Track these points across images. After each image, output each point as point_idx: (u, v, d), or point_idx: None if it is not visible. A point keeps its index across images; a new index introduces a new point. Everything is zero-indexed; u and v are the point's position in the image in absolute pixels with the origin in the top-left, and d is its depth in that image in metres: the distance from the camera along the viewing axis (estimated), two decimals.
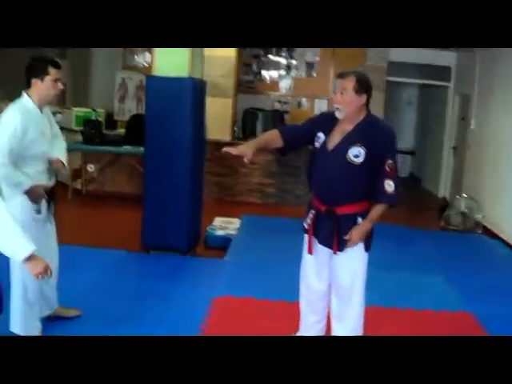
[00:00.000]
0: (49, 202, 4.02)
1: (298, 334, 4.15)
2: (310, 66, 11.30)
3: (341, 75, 3.68)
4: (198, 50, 6.46)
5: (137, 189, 9.35)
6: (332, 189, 3.68)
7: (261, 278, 5.58)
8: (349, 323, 3.86)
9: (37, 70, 3.84)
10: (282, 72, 11.28)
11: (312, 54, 11.22)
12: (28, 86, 3.87)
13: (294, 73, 11.30)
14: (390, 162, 3.61)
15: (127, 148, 8.94)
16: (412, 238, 7.63)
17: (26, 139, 3.70)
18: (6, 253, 2.80)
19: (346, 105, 3.61)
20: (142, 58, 11.53)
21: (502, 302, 5.31)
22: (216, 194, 9.43)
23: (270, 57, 11.26)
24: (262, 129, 9.68)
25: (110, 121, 10.83)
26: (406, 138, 14.04)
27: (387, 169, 3.60)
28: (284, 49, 11.18)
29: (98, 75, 11.68)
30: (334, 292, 3.92)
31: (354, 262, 3.77)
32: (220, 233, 7.06)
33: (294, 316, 4.17)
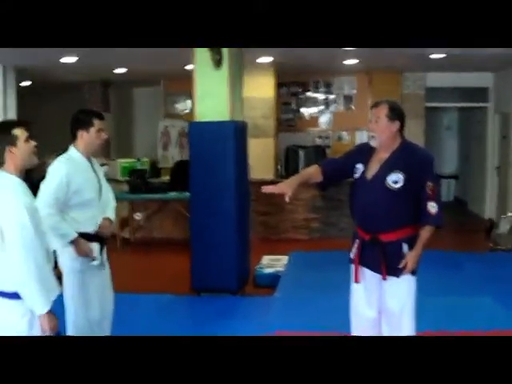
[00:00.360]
0: (101, 247, 4.13)
1: None
2: (347, 99, 11.43)
3: (374, 105, 3.81)
4: (237, 92, 6.64)
5: (184, 233, 9.56)
6: (374, 216, 3.74)
7: (312, 313, 5.58)
8: None
9: (83, 121, 4.03)
10: (321, 107, 11.45)
11: (349, 87, 11.37)
12: (74, 138, 4.06)
13: (332, 107, 11.44)
14: (430, 184, 3.65)
15: (173, 194, 9.15)
16: (460, 262, 7.55)
17: (72, 188, 3.87)
18: (28, 301, 2.91)
19: (381, 132, 3.70)
20: (184, 105, 11.85)
21: None
22: (262, 232, 9.51)
23: (309, 94, 11.46)
24: (305, 165, 9.79)
25: (155, 169, 11.10)
26: (448, 163, 14.02)
27: (428, 191, 3.65)
28: (322, 84, 11.35)
29: (141, 125, 12.08)
30: (384, 319, 3.93)
31: (402, 287, 3.79)
32: (268, 271, 7.14)
33: None
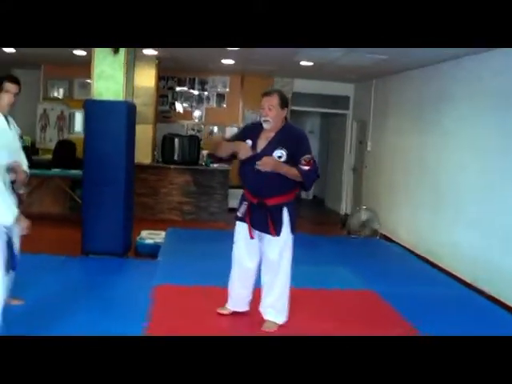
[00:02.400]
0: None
1: (227, 305, 5.07)
2: (220, 96, 12.41)
3: (266, 93, 4.65)
4: (130, 77, 7.34)
5: (62, 209, 10.06)
6: (262, 184, 4.60)
7: (190, 272, 6.47)
8: (277, 290, 4.74)
9: None
10: (195, 103, 12.36)
11: (222, 86, 12.35)
12: None
13: (206, 104, 12.37)
14: (306, 157, 4.53)
15: (57, 170, 9.57)
16: (319, 243, 8.70)
17: None
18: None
19: (274, 117, 4.59)
20: (62, 90, 12.27)
21: (399, 284, 6.50)
22: (139, 212, 10.09)
23: (184, 89, 12.31)
24: (179, 152, 10.61)
25: (33, 149, 11.44)
26: None
27: (303, 162, 4.51)
28: (197, 81, 12.26)
29: (21, 106, 12.18)
30: (264, 268, 4.82)
31: (281, 240, 4.65)
32: (148, 241, 7.87)
33: (223, 295, 5.11)
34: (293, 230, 4.68)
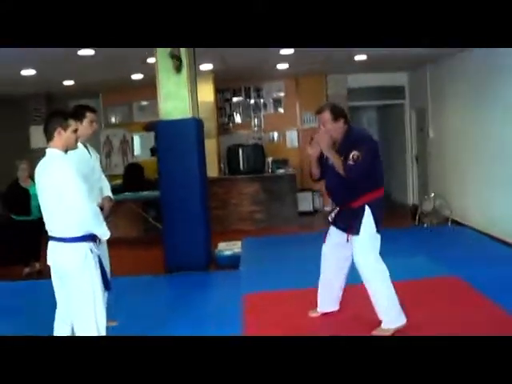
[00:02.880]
0: None
1: (318, 309, 5.06)
2: (277, 102, 12.46)
3: (317, 112, 4.65)
4: (194, 94, 7.46)
5: (138, 232, 10.25)
6: (338, 190, 4.66)
7: (274, 277, 6.51)
8: (372, 295, 4.60)
9: (77, 114, 4.64)
10: (253, 111, 12.44)
11: (277, 91, 12.39)
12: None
13: (263, 111, 12.44)
14: (353, 153, 4.41)
15: (128, 194, 9.78)
16: (392, 236, 8.57)
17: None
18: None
19: (330, 132, 4.57)
20: (122, 115, 12.56)
21: (480, 267, 6.34)
22: (212, 226, 10.25)
23: (241, 99, 12.42)
24: (245, 163, 10.71)
25: None
26: None
27: (350, 157, 4.41)
28: (252, 89, 12.34)
29: None
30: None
31: (361, 240, 4.56)
32: (227, 253, 7.95)
33: (310, 297, 5.11)
34: (378, 227, 4.60)
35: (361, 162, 4.40)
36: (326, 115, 4.55)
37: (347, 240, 4.63)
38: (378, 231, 4.59)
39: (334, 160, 4.49)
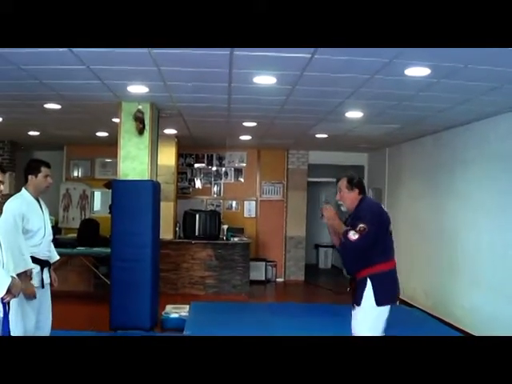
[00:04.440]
0: (42, 270, 4.84)
1: None
2: (238, 171, 12.75)
3: (337, 180, 4.90)
4: (154, 157, 7.67)
5: (87, 286, 10.23)
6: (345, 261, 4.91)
7: None
8: None
9: (32, 168, 4.91)
10: (213, 178, 12.70)
11: (239, 161, 12.71)
12: (26, 181, 4.92)
13: (224, 179, 12.71)
14: (360, 225, 4.53)
15: (82, 249, 9.79)
16: (339, 312, 8.70)
17: (24, 218, 4.69)
18: None
19: (344, 200, 4.82)
20: (84, 170, 12.67)
21: None
22: (162, 288, 10.24)
23: (202, 165, 12.68)
24: (201, 227, 10.85)
25: (56, 228, 11.71)
26: (326, 234, 15.35)
27: (356, 228, 4.54)
28: (215, 157, 12.64)
29: None
30: None
31: (360, 311, 4.69)
32: (174, 315, 7.98)
33: None
34: (378, 302, 4.63)
35: (362, 233, 4.50)
36: (343, 182, 4.80)
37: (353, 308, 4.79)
38: (380, 304, 4.64)
39: (340, 231, 4.63)
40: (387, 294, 4.71)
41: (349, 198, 4.80)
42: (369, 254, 4.60)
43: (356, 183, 4.84)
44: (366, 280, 4.63)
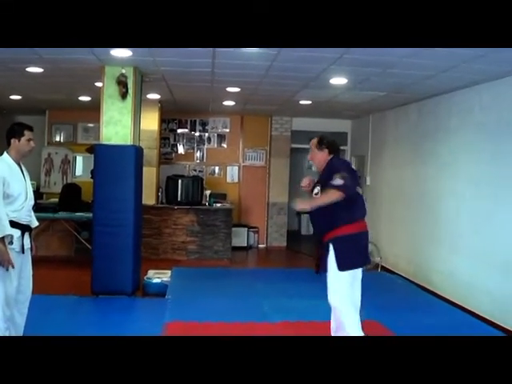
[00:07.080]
0: (22, 235, 4.76)
1: None
2: (221, 137, 12.71)
3: (310, 139, 4.90)
4: (137, 122, 7.61)
5: (68, 251, 10.22)
6: (313, 224, 4.89)
7: (199, 308, 6.71)
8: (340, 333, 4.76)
9: (15, 131, 4.80)
10: (196, 144, 12.65)
11: (223, 127, 12.66)
12: (8, 144, 4.81)
13: (207, 145, 12.67)
14: (337, 174, 4.47)
15: (63, 214, 9.76)
16: (321, 277, 8.85)
17: (5, 182, 4.59)
18: None
19: (313, 159, 4.86)
20: (66, 135, 12.55)
21: (400, 313, 6.78)
22: (144, 253, 10.23)
23: (185, 131, 12.61)
24: (184, 193, 10.84)
25: (38, 193, 11.63)
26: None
27: (334, 177, 4.46)
28: (198, 122, 12.58)
29: None
30: None
31: (329, 277, 4.69)
32: (156, 281, 8.01)
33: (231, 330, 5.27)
34: (339, 266, 4.58)
35: (346, 179, 4.46)
36: (314, 141, 4.83)
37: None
38: (342, 269, 4.58)
39: (325, 198, 4.50)
40: (350, 259, 4.62)
41: (317, 158, 4.84)
42: (337, 213, 4.53)
43: (326, 143, 4.82)
44: (329, 244, 4.61)
